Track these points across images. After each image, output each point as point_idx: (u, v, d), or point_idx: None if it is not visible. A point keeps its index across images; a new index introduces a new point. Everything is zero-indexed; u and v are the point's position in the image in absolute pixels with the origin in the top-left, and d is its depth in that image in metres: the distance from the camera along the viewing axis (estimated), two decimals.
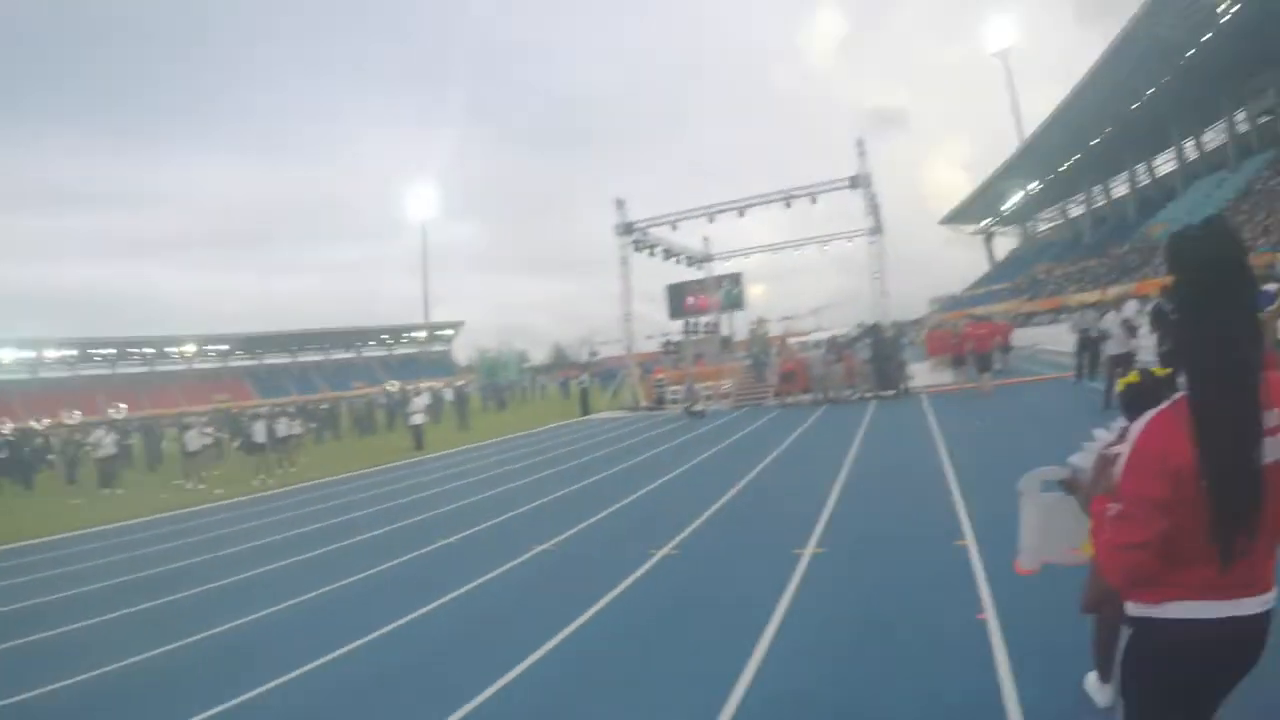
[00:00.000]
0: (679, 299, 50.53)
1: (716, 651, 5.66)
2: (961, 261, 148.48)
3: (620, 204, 37.60)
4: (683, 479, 14.09)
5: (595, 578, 7.82)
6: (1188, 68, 54.35)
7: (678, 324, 48.49)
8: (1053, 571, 3.41)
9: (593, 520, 10.98)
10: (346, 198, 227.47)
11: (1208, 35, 49.87)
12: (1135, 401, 2.25)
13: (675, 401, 31.03)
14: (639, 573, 7.89)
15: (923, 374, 30.50)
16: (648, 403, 34.93)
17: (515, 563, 9.07)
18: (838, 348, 28.98)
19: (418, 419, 27.59)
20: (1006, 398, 21.29)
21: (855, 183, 33.34)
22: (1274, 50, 51.34)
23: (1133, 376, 3.15)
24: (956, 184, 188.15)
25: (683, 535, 9.33)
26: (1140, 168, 73.82)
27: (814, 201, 34.39)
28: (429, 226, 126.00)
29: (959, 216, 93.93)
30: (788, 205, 34.88)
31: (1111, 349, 16.00)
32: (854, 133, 57.15)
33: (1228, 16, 47.44)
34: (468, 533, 11.33)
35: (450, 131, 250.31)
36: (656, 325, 52.13)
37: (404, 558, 10.15)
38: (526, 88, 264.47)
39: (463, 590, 8.23)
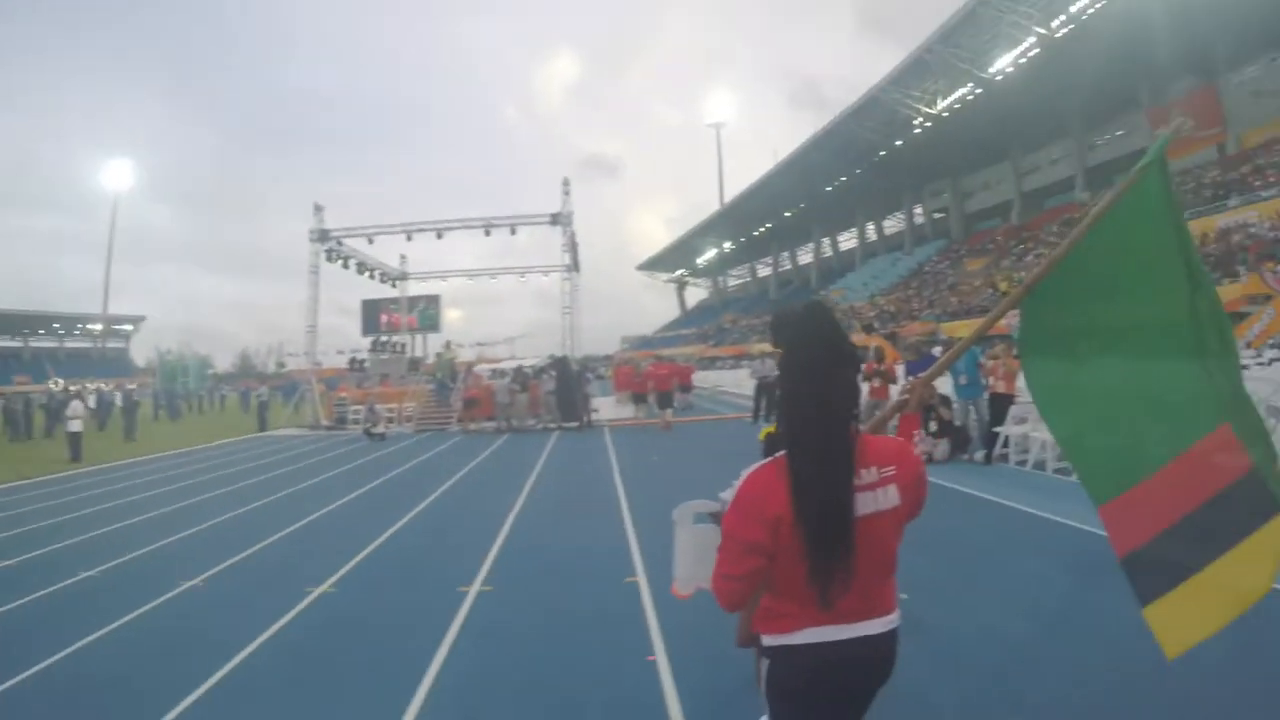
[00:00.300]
0: (373, 315, 48.32)
1: (365, 708, 5.07)
2: (655, 305, 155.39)
3: (319, 209, 35.81)
4: (352, 506, 13.19)
5: (241, 623, 6.74)
6: (880, 164, 62.71)
7: (370, 341, 46.60)
8: (725, 614, 3.14)
9: (248, 553, 9.63)
10: (28, 155, 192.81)
11: (900, 141, 57.88)
12: (771, 449, 2.34)
13: (356, 422, 29.82)
14: (292, 614, 6.95)
15: (609, 408, 31.12)
16: (328, 422, 33.21)
17: (155, 604, 7.57)
18: (523, 377, 28.63)
19: (75, 425, 23.90)
20: (686, 434, 22.25)
21: (557, 220, 34.12)
22: (952, 161, 61.99)
23: (771, 428, 3.37)
24: (657, 235, 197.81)
25: (345, 569, 8.39)
26: (826, 241, 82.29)
27: (514, 233, 34.89)
28: (119, 203, 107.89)
29: (656, 264, 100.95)
30: (487, 233, 35.15)
31: None
32: (564, 173, 58.85)
33: (919, 130, 55.44)
34: (104, 567, 9.64)
35: (157, 106, 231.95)
36: (349, 341, 50.33)
37: (22, 599, 7.98)
38: (245, 76, 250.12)
39: (85, 642, 6.51)
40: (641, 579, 7.43)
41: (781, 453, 2.27)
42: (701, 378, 45.24)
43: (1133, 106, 48.65)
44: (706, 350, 76.47)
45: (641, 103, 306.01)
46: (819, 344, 2.32)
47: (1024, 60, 46.45)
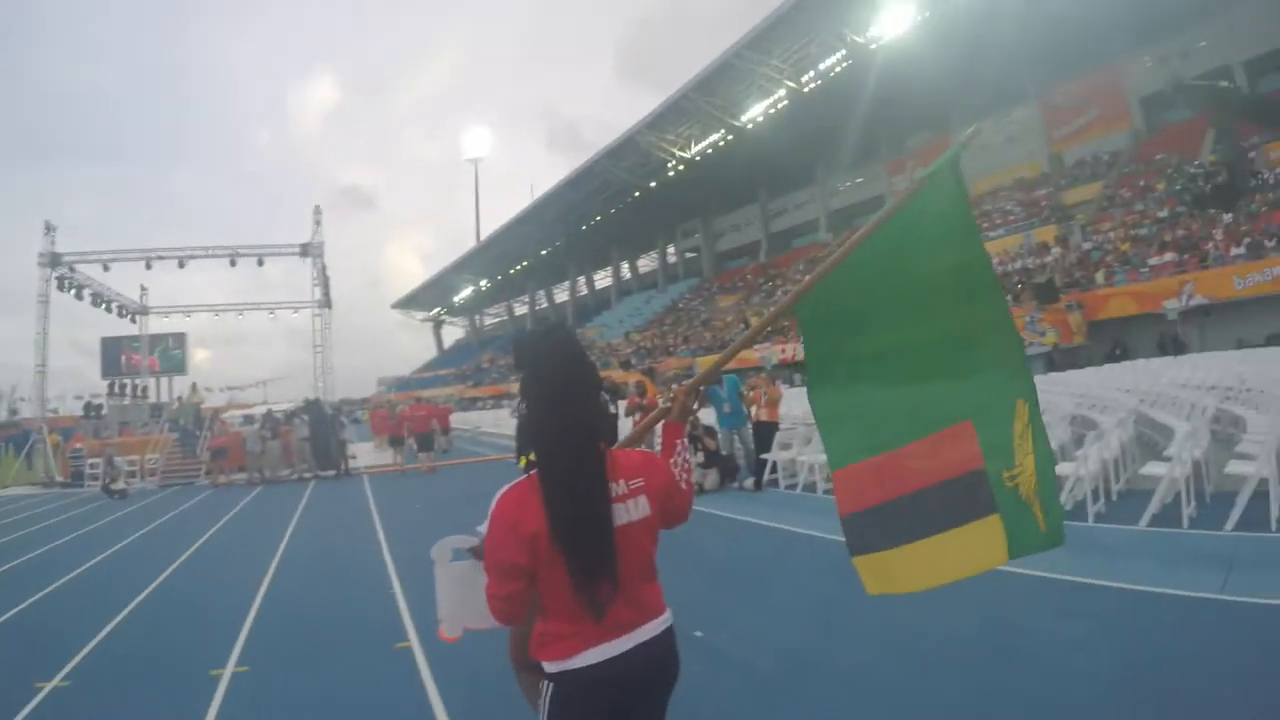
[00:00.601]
0: (113, 355, 43.73)
1: None
2: (412, 345, 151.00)
3: (50, 229, 32.65)
4: (86, 579, 11.35)
5: None
6: (635, 204, 64.24)
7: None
8: (509, 674, 3.33)
9: None
10: None
11: (655, 182, 59.70)
12: None
13: (95, 477, 26.73)
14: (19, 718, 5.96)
15: (366, 454, 29.62)
16: (63, 477, 29.69)
17: None
18: (274, 423, 26.41)
19: None
20: (449, 478, 21.21)
21: (307, 251, 32.46)
22: (704, 203, 64.83)
23: (528, 458, 3.19)
24: (414, 271, 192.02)
25: (79, 657, 7.25)
26: (582, 279, 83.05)
27: (261, 264, 33.03)
28: None
29: (412, 302, 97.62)
30: (233, 264, 33.15)
31: None
32: (318, 202, 56.42)
33: (673, 173, 57.43)
34: None
35: None
36: (89, 384, 44.45)
37: None
38: None
39: None
40: (414, 642, 6.71)
41: (533, 471, 2.32)
42: (461, 419, 43.89)
43: (873, 157, 53.02)
44: (466, 391, 75.01)
45: (401, 134, 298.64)
46: (560, 363, 2.38)
47: (774, 111, 49.56)
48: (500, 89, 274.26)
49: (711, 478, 13.57)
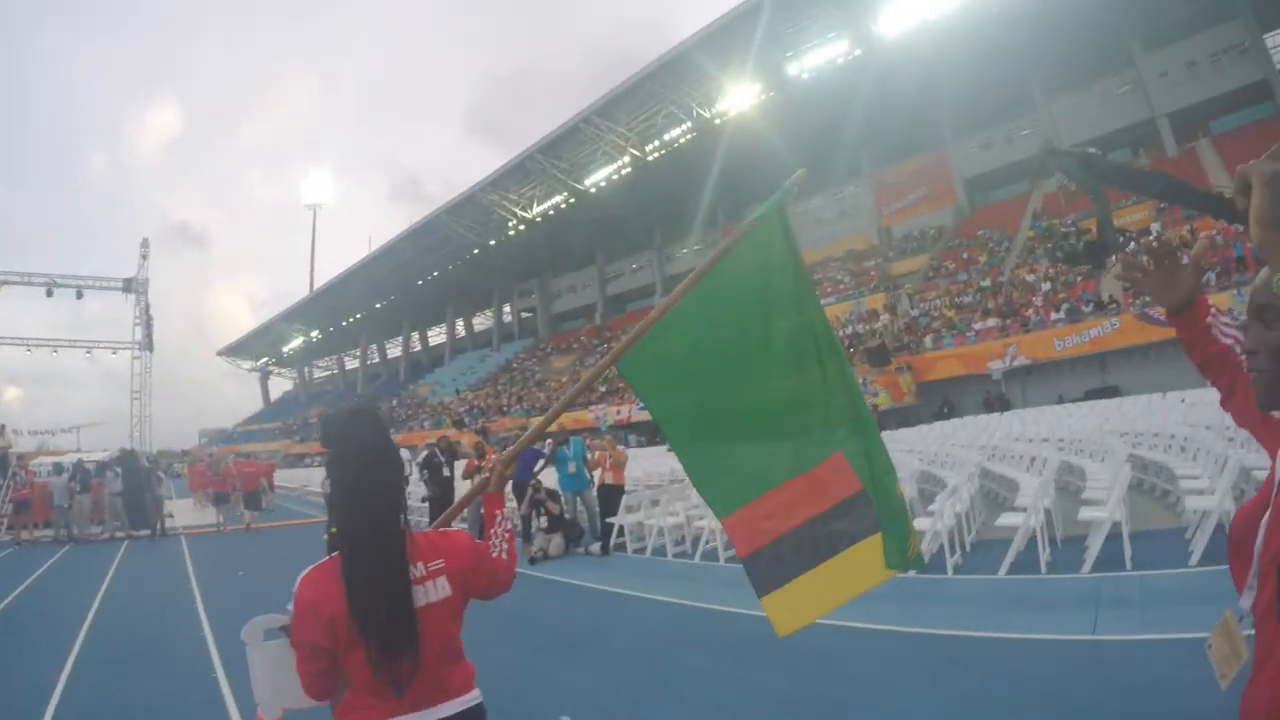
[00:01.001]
0: None
1: None
2: (237, 396, 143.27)
3: None
4: None
5: None
6: (473, 261, 63.41)
7: None
8: None
9: None
10: None
11: (494, 241, 59.07)
12: (333, 549, 2.37)
13: None
14: None
15: (184, 511, 26.95)
16: None
17: None
18: (84, 474, 22.92)
19: None
20: (273, 541, 19.71)
21: (130, 287, 30.41)
22: (542, 263, 64.70)
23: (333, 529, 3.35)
24: (244, 318, 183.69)
25: None
26: (415, 335, 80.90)
27: (80, 296, 30.62)
28: None
29: (240, 350, 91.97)
30: (49, 294, 30.56)
31: None
32: (144, 234, 53.01)
33: (513, 232, 57.20)
34: None
35: None
36: None
37: None
38: None
39: None
40: None
41: (336, 553, 2.31)
42: (287, 476, 41.62)
43: (710, 225, 53.75)
44: (292, 446, 71.31)
45: (240, 172, 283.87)
46: (364, 445, 2.36)
47: (617, 176, 49.93)
48: (346, 135, 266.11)
49: (556, 543, 13.07)
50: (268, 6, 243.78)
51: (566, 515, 13.49)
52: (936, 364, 31.39)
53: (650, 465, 21.03)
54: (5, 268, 29.40)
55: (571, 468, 13.63)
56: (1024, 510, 8.31)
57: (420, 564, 2.34)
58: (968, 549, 9.36)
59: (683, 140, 46.06)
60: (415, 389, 70.42)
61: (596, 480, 13.71)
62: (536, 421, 3.29)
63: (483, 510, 2.83)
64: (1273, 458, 1.53)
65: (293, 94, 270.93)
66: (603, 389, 46.10)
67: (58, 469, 23.84)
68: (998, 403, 27.96)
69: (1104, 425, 15.56)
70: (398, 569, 2.28)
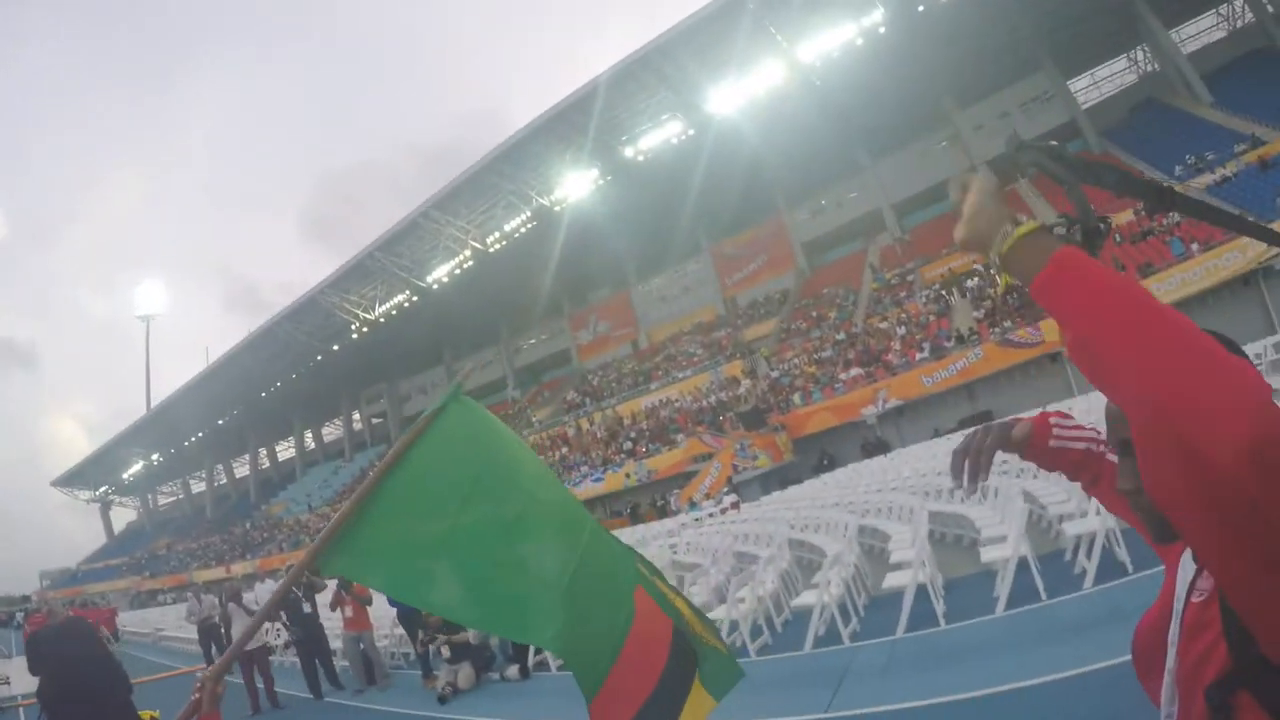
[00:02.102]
0: None
1: None
2: (78, 530, 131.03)
3: None
4: None
5: None
6: (317, 368, 59.73)
7: None
8: None
9: None
10: None
11: (337, 345, 55.87)
12: None
13: None
14: None
15: (22, 677, 22.36)
16: None
17: None
18: None
19: None
20: (137, 695, 16.71)
21: None
22: (389, 365, 61.35)
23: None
24: (79, 444, 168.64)
25: None
26: (263, 451, 75.66)
27: None
28: None
29: (76, 479, 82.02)
30: None
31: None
32: None
33: (356, 335, 54.05)
34: None
35: None
36: None
37: None
38: None
39: None
40: None
41: None
42: (138, 619, 35.60)
43: (557, 313, 53.23)
44: (143, 583, 65.17)
45: (66, 279, 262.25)
46: (80, 661, 2.18)
47: (459, 271, 48.10)
48: (176, 243, 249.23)
49: (465, 673, 10.76)
50: (87, 107, 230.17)
51: (472, 640, 11.09)
52: (810, 418, 31.25)
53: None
54: None
55: None
56: (908, 567, 7.84)
57: None
58: (778, 629, 9.08)
59: (523, 229, 45.01)
60: (268, 508, 65.70)
61: None
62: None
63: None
64: (1167, 564, 1.44)
65: (118, 198, 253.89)
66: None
67: None
68: (875, 448, 27.88)
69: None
70: None
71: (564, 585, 2.54)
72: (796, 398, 32.25)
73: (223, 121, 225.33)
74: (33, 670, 2.05)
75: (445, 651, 10.96)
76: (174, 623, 28.65)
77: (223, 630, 14.47)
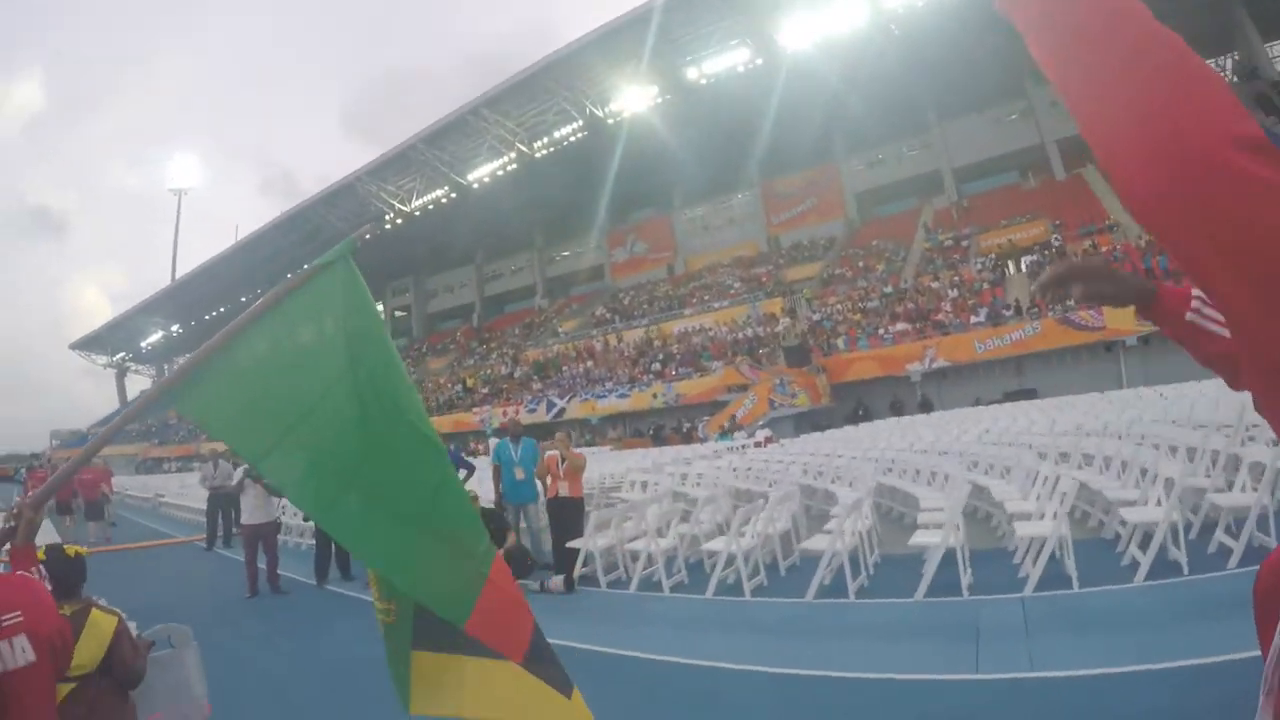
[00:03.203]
0: None
1: None
2: (94, 395, 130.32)
3: None
4: None
5: None
6: None
7: None
8: None
9: None
10: None
11: (369, 235, 53.39)
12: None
13: None
14: None
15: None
16: None
17: None
18: None
19: None
20: (119, 566, 14.35)
21: None
22: (418, 260, 59.95)
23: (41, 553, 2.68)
24: (102, 312, 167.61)
25: None
26: None
27: None
28: None
29: (94, 344, 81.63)
30: None
31: (248, 516, 10.78)
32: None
33: (390, 226, 52.05)
34: None
35: None
36: None
37: None
38: None
39: None
40: None
41: None
42: (140, 484, 35.31)
43: (595, 228, 51.30)
44: (150, 450, 64.89)
45: (100, 151, 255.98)
46: None
47: (502, 172, 46.55)
48: (216, 121, 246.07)
49: None
50: None
51: (514, 539, 9.49)
52: (852, 365, 29.83)
53: (603, 468, 17.25)
54: None
55: (520, 473, 10.17)
56: (939, 528, 7.13)
57: None
58: (782, 573, 8.45)
59: (573, 139, 43.42)
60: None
61: (547, 491, 10.14)
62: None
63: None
64: None
65: (162, 73, 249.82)
66: (485, 390, 43.21)
67: None
68: (918, 405, 26.80)
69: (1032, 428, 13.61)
70: None
71: (409, 514, 2.38)
72: (840, 342, 30.86)
73: (276, 5, 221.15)
74: None
75: None
76: (175, 491, 28.14)
77: (235, 501, 13.31)
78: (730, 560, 7.79)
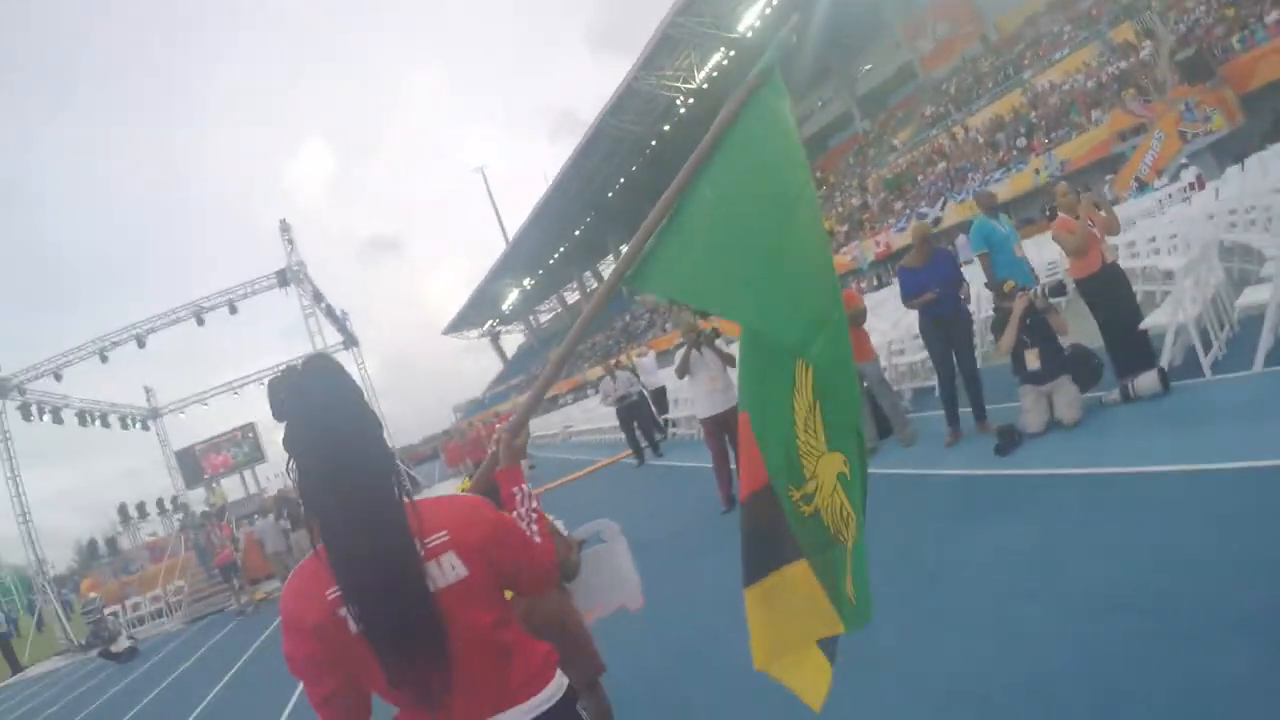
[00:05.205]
0: (191, 464, 34.62)
1: None
2: (476, 366, 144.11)
3: None
4: None
5: None
6: (653, 156, 57.52)
7: (198, 494, 34.06)
8: None
9: None
10: None
11: (668, 126, 53.13)
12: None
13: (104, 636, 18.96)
14: None
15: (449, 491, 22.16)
16: (82, 639, 20.78)
17: None
18: (293, 507, 15.88)
19: None
20: (571, 498, 14.69)
21: (285, 278, 25.71)
22: None
23: (466, 482, 2.81)
24: (455, 294, 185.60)
25: None
26: (623, 247, 75.45)
27: (234, 310, 25.78)
28: None
29: (462, 323, 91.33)
30: (200, 322, 25.84)
31: (705, 407, 8.88)
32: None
33: (683, 109, 50.58)
34: None
35: None
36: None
37: None
38: None
39: None
40: None
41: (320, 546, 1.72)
42: (543, 423, 37.58)
43: (885, 30, 47.32)
44: None
45: (400, 170, 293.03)
46: (320, 403, 1.70)
47: (769, 11, 43.70)
48: (485, 98, 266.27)
49: (1065, 396, 6.62)
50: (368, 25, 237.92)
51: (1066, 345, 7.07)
52: (1257, 66, 22.81)
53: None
54: (144, 314, 25.12)
55: (1020, 251, 8.50)
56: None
57: (417, 540, 1.68)
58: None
59: None
60: (641, 299, 65.88)
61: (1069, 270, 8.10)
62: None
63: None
64: None
65: (423, 89, 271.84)
66: (844, 229, 41.51)
67: (263, 513, 20.39)
68: None
69: None
70: (393, 546, 1.64)
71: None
72: (1235, 41, 24.04)
73: None
74: (276, 415, 1.55)
75: (1031, 361, 6.82)
76: (578, 418, 30.35)
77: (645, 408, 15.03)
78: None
